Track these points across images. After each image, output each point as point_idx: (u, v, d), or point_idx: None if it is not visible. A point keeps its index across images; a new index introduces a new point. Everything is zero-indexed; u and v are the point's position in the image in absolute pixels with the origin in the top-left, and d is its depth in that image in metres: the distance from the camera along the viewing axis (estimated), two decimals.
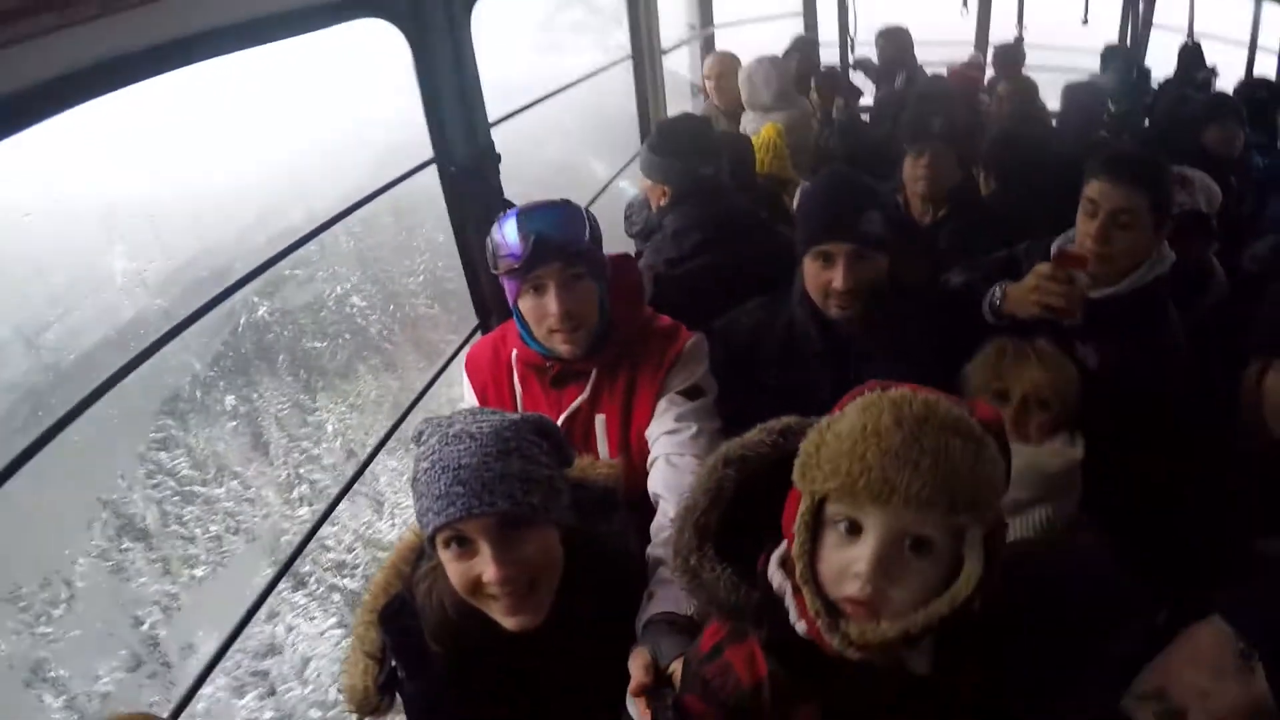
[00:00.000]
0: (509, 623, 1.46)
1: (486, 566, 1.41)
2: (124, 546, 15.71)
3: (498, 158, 2.59)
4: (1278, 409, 1.94)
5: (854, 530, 1.07)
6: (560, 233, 1.95)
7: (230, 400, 17.62)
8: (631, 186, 4.10)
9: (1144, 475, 1.98)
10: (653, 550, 1.73)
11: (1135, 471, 1.98)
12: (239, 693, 13.48)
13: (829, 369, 2.24)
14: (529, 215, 1.98)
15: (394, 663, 1.62)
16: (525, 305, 2.02)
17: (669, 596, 1.54)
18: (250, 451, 17.08)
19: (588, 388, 2.10)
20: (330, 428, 17.55)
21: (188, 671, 13.35)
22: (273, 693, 13.70)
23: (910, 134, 3.23)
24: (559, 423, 2.04)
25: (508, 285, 2.02)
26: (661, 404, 2.05)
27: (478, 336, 2.85)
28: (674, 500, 1.72)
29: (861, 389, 1.14)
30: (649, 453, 2.04)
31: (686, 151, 2.86)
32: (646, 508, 1.92)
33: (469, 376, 2.27)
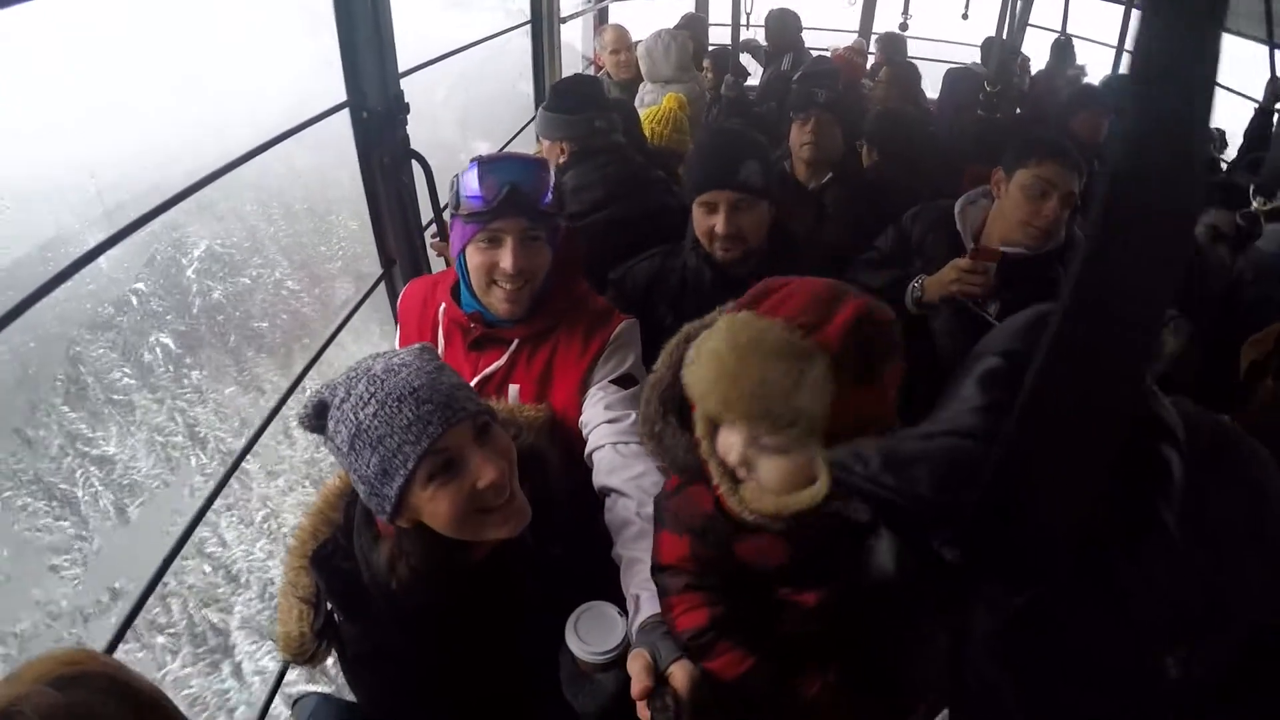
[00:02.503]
0: (505, 529, 1.46)
1: (483, 472, 1.39)
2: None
3: (406, 107, 2.61)
4: None
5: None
6: (529, 187, 1.90)
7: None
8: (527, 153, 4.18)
9: None
10: (624, 550, 1.65)
11: None
12: None
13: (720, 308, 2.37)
14: (503, 164, 1.93)
15: (329, 606, 1.59)
16: (474, 255, 1.95)
17: (658, 597, 1.50)
18: None
19: (505, 355, 2.04)
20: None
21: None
22: None
23: (797, 103, 3.42)
24: (472, 385, 1.97)
25: (461, 230, 1.95)
26: (594, 392, 1.98)
27: (381, 286, 2.91)
28: (634, 491, 1.72)
29: (755, 287, 1.35)
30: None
31: (581, 106, 2.96)
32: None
33: (401, 317, 2.25)
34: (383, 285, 2.92)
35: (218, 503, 2.13)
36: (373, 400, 1.36)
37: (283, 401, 2.45)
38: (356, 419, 1.37)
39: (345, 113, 2.58)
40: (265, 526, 14.59)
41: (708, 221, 2.32)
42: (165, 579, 1.96)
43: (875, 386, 1.27)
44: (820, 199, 3.36)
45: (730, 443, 1.27)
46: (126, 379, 18.69)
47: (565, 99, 3.00)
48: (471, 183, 1.89)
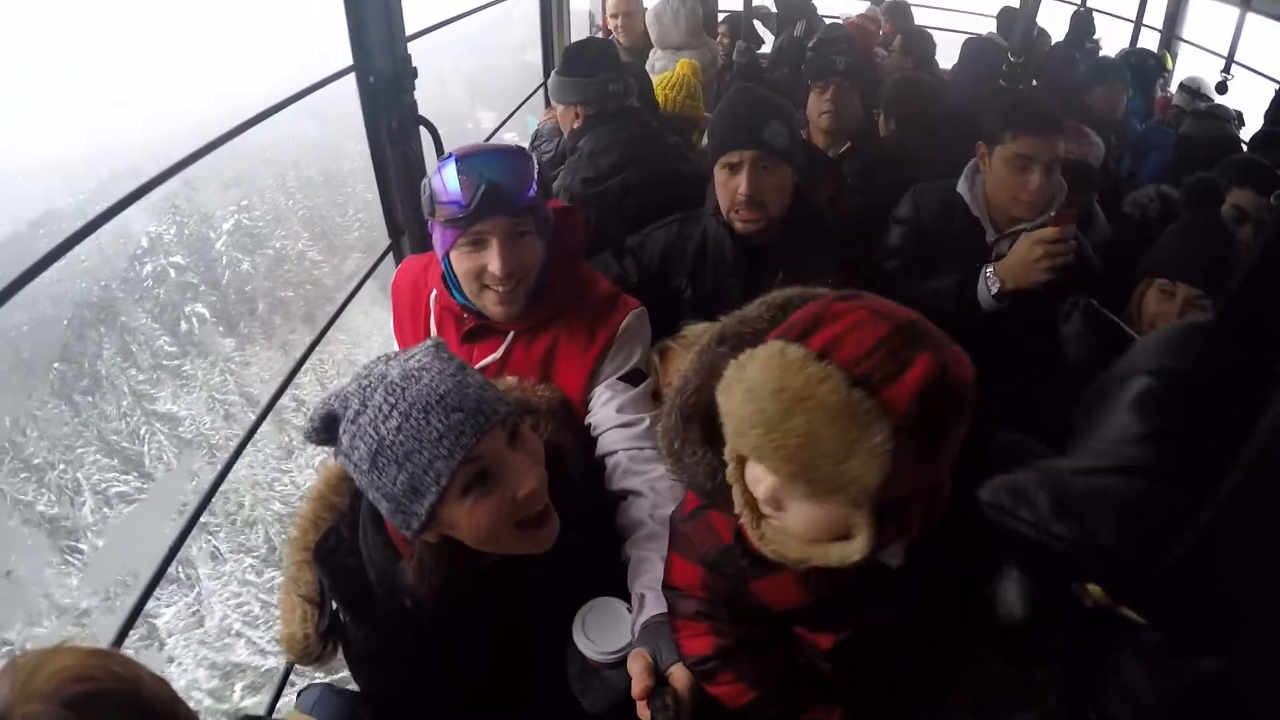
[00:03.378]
0: (542, 544, 1.39)
1: (523, 481, 1.31)
2: None
3: (414, 72, 2.53)
4: (1149, 318, 2.23)
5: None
6: (509, 183, 1.74)
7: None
8: (534, 119, 4.11)
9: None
10: (633, 550, 1.59)
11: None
12: None
13: (739, 278, 2.32)
14: (476, 160, 1.76)
15: (334, 605, 1.54)
16: (460, 260, 1.82)
17: (663, 598, 1.47)
18: None
19: (501, 349, 1.94)
20: None
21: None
22: None
23: (815, 69, 3.37)
24: None
25: (442, 235, 1.82)
26: (602, 390, 1.89)
27: (390, 257, 2.82)
28: (649, 492, 1.66)
29: (814, 305, 1.08)
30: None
31: (595, 69, 2.90)
32: None
33: (393, 298, 2.15)
34: (391, 256, 2.83)
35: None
36: (395, 412, 1.25)
37: (290, 377, 2.39)
38: (378, 434, 1.26)
39: (352, 79, 2.49)
40: None
41: (731, 182, 2.25)
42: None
43: (938, 459, 1.06)
44: (840, 167, 3.29)
45: (759, 476, 1.09)
46: (167, 346, 20.97)
47: (579, 62, 2.94)
48: (446, 184, 1.75)
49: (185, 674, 16.19)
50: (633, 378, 1.91)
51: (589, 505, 1.61)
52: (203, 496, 2.05)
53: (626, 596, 1.50)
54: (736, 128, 2.24)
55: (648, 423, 1.80)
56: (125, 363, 20.55)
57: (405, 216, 2.73)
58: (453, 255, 1.83)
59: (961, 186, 2.59)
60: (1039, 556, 0.94)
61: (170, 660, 16.46)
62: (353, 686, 1.69)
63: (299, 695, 1.65)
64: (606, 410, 1.85)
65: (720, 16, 6.04)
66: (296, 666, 1.81)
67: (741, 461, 1.12)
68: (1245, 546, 0.75)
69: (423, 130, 2.66)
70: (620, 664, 1.41)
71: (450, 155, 1.80)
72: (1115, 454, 0.88)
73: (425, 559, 1.37)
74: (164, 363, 21.07)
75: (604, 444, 1.82)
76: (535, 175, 1.81)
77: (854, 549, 1.05)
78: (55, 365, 20.21)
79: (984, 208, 2.55)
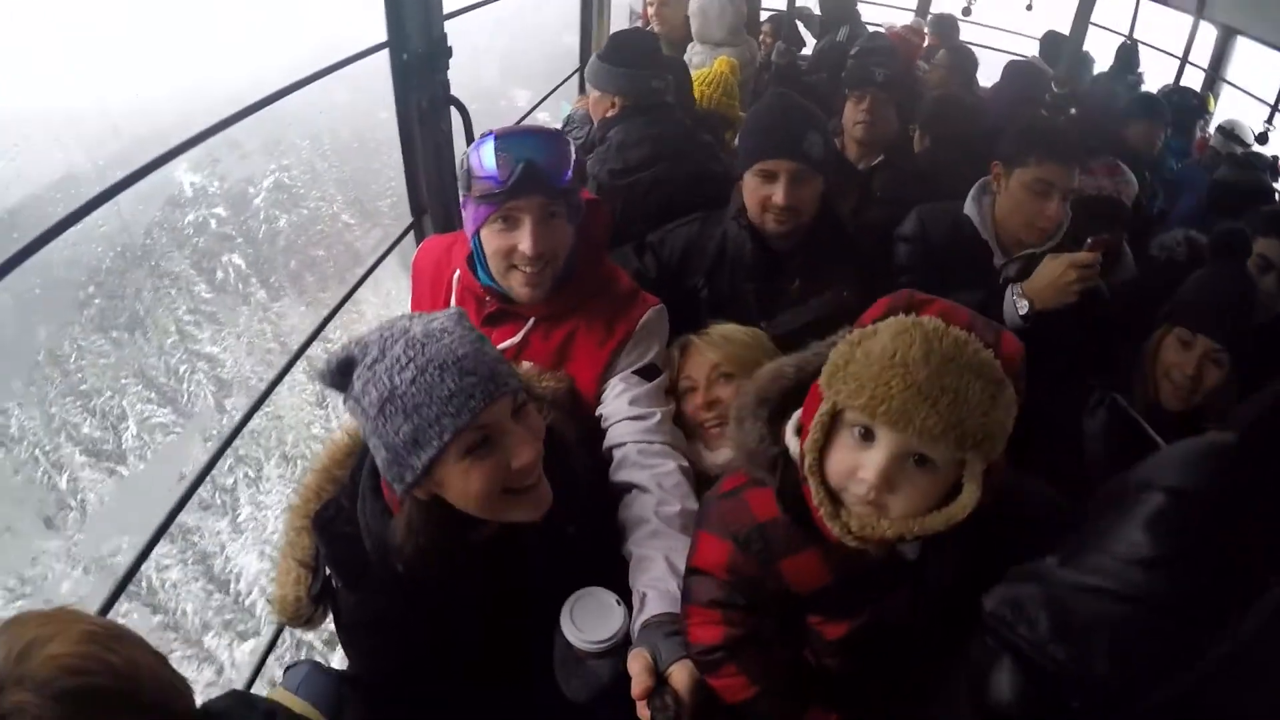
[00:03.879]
0: (530, 513, 1.41)
1: (519, 452, 1.33)
2: None
3: (449, 51, 2.51)
4: (1166, 367, 2.20)
5: (867, 437, 1.16)
6: (547, 164, 1.75)
7: None
8: (569, 104, 4.07)
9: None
10: (635, 548, 1.60)
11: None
12: None
13: (756, 282, 2.31)
14: (517, 139, 1.77)
15: (328, 572, 1.55)
16: (490, 238, 1.82)
17: (665, 598, 1.47)
18: None
19: (520, 333, 1.94)
20: None
21: None
22: None
23: (854, 79, 3.32)
24: None
25: (474, 211, 1.81)
26: (616, 383, 1.89)
27: (410, 235, 2.81)
28: (655, 488, 1.67)
29: (892, 299, 1.23)
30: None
31: (639, 63, 2.87)
32: None
33: (414, 276, 2.15)
34: (412, 235, 2.82)
35: None
36: (411, 365, 1.28)
37: (300, 351, 2.37)
38: (391, 382, 1.28)
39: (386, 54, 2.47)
40: None
41: (764, 190, 2.23)
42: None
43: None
44: (870, 180, 3.27)
45: (869, 460, 1.15)
46: (204, 293, 22.12)
47: (624, 53, 2.92)
48: (484, 160, 1.75)
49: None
50: (647, 373, 1.91)
51: (588, 496, 1.62)
52: (233, 427, 2.14)
53: (621, 591, 1.49)
54: (776, 135, 2.22)
55: (660, 417, 1.83)
56: (170, 302, 21.73)
57: (429, 196, 2.71)
58: (484, 233, 1.83)
59: (969, 208, 2.57)
60: (1034, 668, 1.00)
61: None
62: (339, 665, 1.71)
63: (285, 672, 1.66)
64: (619, 402, 1.85)
65: (763, 16, 6.00)
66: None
67: (821, 451, 1.20)
68: (1252, 696, 0.76)
69: (453, 110, 2.63)
70: (605, 655, 1.41)
71: (490, 132, 1.79)
72: (1121, 576, 0.92)
73: (414, 517, 1.38)
74: (200, 307, 22.07)
75: (613, 435, 1.82)
76: (572, 160, 1.81)
77: (964, 503, 1.14)
78: (96, 301, 21.14)
79: (992, 230, 2.54)
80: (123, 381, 20.22)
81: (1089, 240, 2.32)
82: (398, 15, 2.40)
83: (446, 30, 2.54)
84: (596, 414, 1.89)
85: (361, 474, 1.50)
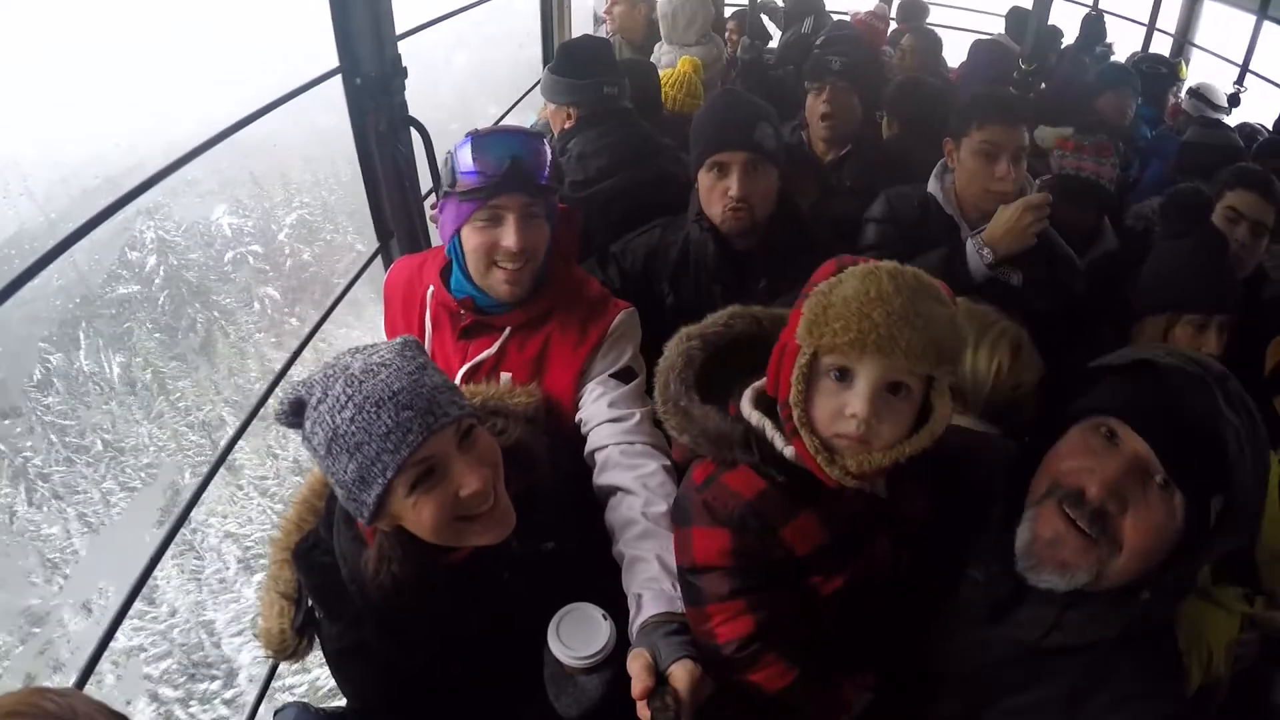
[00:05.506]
0: (488, 536, 1.41)
1: (465, 481, 1.34)
2: None
3: (404, 72, 2.49)
4: None
5: (844, 378, 1.24)
6: (531, 163, 1.81)
7: None
8: (535, 114, 4.06)
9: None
10: (626, 549, 1.59)
11: None
12: None
13: (721, 284, 2.31)
14: (501, 137, 1.84)
15: (310, 603, 1.56)
16: (472, 235, 1.85)
17: (661, 597, 1.47)
18: None
19: (496, 344, 1.95)
20: None
21: None
22: None
23: (812, 72, 3.32)
24: (460, 374, 1.95)
25: (456, 210, 1.85)
26: (593, 386, 1.91)
27: (378, 260, 2.79)
28: (640, 489, 1.66)
29: (830, 264, 1.30)
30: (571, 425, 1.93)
31: (590, 70, 2.86)
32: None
33: (386, 296, 2.17)
34: (380, 260, 2.80)
35: None
36: (350, 404, 1.28)
37: (272, 386, 2.34)
38: (333, 423, 1.29)
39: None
40: None
41: (718, 185, 2.24)
42: None
43: None
44: (838, 171, 3.27)
45: (853, 397, 1.23)
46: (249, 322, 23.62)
47: (573, 62, 2.91)
48: (468, 158, 1.79)
49: None
50: (624, 375, 1.92)
51: (563, 510, 1.62)
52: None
53: (608, 601, 1.47)
54: (726, 128, 2.23)
55: (639, 418, 1.83)
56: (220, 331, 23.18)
57: (394, 219, 2.70)
58: (465, 231, 1.86)
59: (933, 186, 2.60)
60: None
61: None
62: (337, 701, 1.71)
63: (275, 715, 1.66)
64: (598, 406, 1.86)
65: (728, 12, 5.99)
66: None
67: (805, 403, 1.27)
68: None
69: (414, 131, 2.61)
70: (594, 670, 1.40)
71: (473, 132, 1.84)
72: None
73: (384, 546, 1.40)
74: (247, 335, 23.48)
75: (594, 439, 1.83)
76: (549, 161, 1.86)
77: (942, 416, 1.27)
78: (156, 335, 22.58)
79: (955, 205, 2.55)
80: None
81: (1037, 181, 2.37)
82: (347, 39, 2.39)
83: (401, 51, 2.53)
84: (576, 419, 1.90)
85: (335, 503, 1.50)
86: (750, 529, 1.35)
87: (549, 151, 1.86)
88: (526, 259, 1.85)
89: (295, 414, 1.35)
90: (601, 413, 1.85)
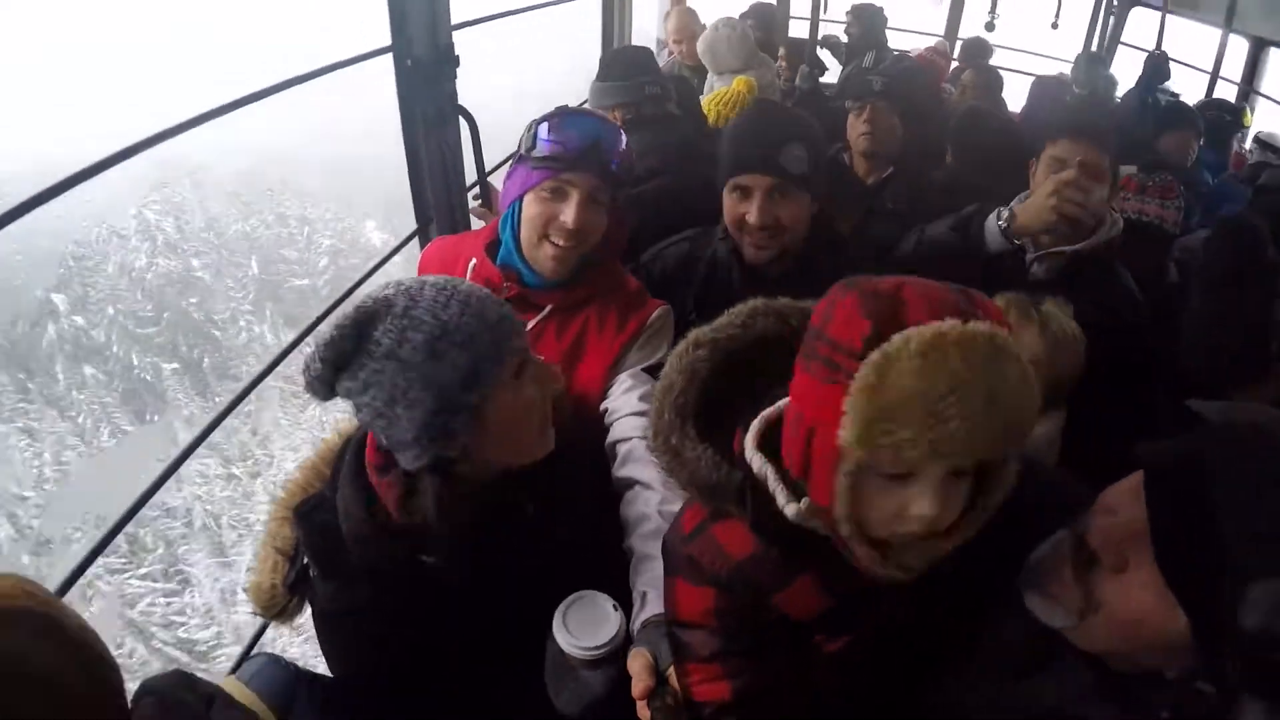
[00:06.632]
0: (547, 445, 1.46)
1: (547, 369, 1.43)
2: None
3: (456, 60, 2.50)
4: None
5: (899, 476, 1.01)
6: (609, 148, 1.85)
7: None
8: None
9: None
10: (637, 544, 1.56)
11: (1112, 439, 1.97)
12: None
13: None
14: (586, 118, 1.91)
15: (306, 561, 1.55)
16: (533, 204, 1.87)
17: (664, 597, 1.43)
18: None
19: (535, 321, 1.94)
20: None
21: None
22: None
23: (854, 91, 3.28)
24: None
25: (524, 176, 1.87)
26: (624, 378, 1.90)
27: (414, 242, 2.79)
28: (659, 485, 1.62)
29: (853, 296, 1.06)
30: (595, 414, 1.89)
31: (631, 72, 2.90)
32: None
33: (422, 268, 2.15)
34: (416, 242, 2.80)
35: None
36: (453, 300, 1.30)
37: (285, 353, 2.31)
38: (438, 319, 1.27)
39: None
40: None
41: (739, 209, 2.15)
42: None
43: None
44: (880, 194, 3.19)
45: (916, 497, 1.00)
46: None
47: (615, 66, 2.97)
48: (552, 129, 1.84)
49: None
50: (656, 370, 1.82)
51: (583, 500, 1.61)
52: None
53: (616, 595, 1.43)
54: (749, 148, 2.11)
55: None
56: None
57: (436, 206, 2.70)
58: (528, 198, 1.88)
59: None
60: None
61: None
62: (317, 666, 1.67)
63: (245, 663, 1.62)
64: (627, 398, 1.85)
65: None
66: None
67: (854, 494, 1.03)
68: None
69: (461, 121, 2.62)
70: (598, 664, 1.35)
71: (564, 107, 1.96)
72: None
73: (440, 490, 1.37)
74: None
75: (618, 430, 1.81)
76: (626, 154, 1.90)
77: (1005, 485, 1.06)
78: None
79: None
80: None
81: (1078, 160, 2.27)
82: (401, 19, 2.39)
83: (455, 41, 2.54)
84: (601, 408, 1.88)
85: (341, 464, 1.50)
86: (736, 593, 1.25)
87: (628, 147, 1.90)
88: (578, 241, 1.87)
89: (359, 336, 1.28)
90: (630, 404, 1.83)
